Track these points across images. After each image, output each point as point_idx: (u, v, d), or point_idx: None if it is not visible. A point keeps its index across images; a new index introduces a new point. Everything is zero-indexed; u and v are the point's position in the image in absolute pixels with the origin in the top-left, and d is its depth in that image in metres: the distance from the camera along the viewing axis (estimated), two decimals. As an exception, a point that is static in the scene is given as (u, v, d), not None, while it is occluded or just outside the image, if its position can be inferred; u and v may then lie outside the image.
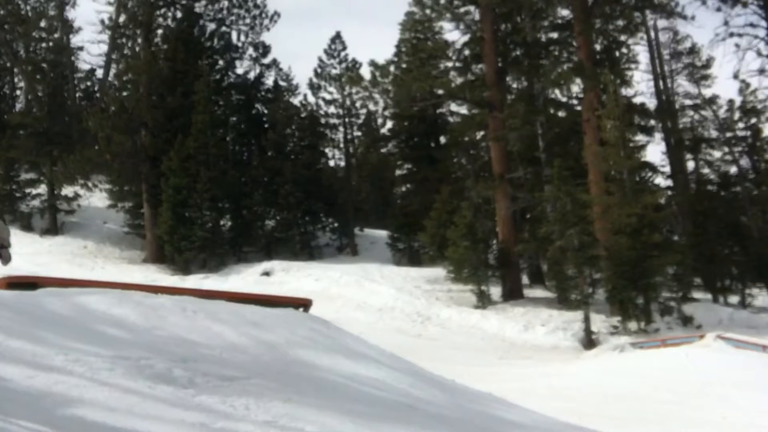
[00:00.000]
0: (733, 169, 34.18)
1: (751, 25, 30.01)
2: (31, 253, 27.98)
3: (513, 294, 26.76)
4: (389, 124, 39.03)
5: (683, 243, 28.96)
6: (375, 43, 68.93)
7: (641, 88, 39.65)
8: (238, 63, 35.98)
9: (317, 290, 24.21)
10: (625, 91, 30.18)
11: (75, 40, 39.21)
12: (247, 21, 35.52)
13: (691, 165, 36.01)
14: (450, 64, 31.41)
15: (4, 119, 35.94)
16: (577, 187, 25.21)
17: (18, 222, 32.46)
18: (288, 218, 32.76)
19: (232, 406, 3.91)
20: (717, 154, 35.45)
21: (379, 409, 4.64)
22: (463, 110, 34.14)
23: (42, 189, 33.33)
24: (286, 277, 27.52)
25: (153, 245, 30.42)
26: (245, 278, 27.12)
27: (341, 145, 37.49)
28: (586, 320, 22.25)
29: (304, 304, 7.43)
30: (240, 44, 35.78)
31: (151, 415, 3.51)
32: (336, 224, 34.65)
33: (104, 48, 37.92)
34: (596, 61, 27.61)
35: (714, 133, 35.59)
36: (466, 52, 30.85)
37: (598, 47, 29.04)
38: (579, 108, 29.33)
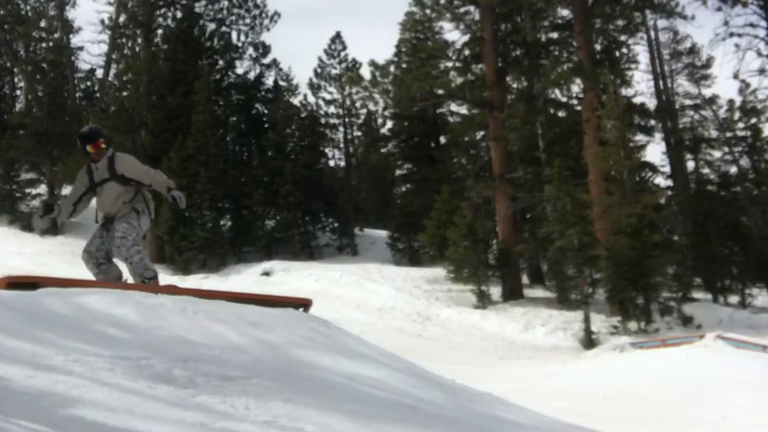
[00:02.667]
0: (733, 169, 34.23)
1: (751, 25, 30.03)
2: (31, 253, 27.97)
3: (513, 294, 26.77)
4: (389, 124, 39.13)
5: (683, 243, 28.97)
6: (375, 43, 69.03)
7: (641, 88, 39.89)
8: (238, 63, 36.02)
9: (317, 290, 24.21)
10: (625, 91, 30.22)
11: (75, 40, 39.17)
12: (247, 21, 35.55)
13: (691, 165, 36.06)
14: (450, 64, 31.45)
15: (4, 119, 35.93)
16: (577, 187, 25.23)
17: (18, 222, 32.50)
18: (288, 218, 32.77)
19: (232, 406, 3.91)
20: (717, 154, 35.54)
21: (379, 409, 4.64)
22: (463, 110, 34.22)
23: (42, 189, 33.32)
24: (286, 277, 27.53)
25: (153, 245, 30.42)
26: (245, 278, 27.12)
27: (341, 145, 37.56)
28: (586, 320, 22.26)
29: (304, 304, 7.41)
30: (240, 44, 35.81)
31: (151, 415, 3.50)
32: (336, 224, 34.66)
33: (104, 48, 37.86)
34: (596, 61, 27.63)
35: (714, 133, 35.64)
36: (466, 52, 30.89)
37: (598, 47, 29.05)
38: (579, 108, 29.36)
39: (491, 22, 29.01)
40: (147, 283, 6.60)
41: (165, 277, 29.18)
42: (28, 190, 33.35)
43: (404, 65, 33.81)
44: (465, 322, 23.85)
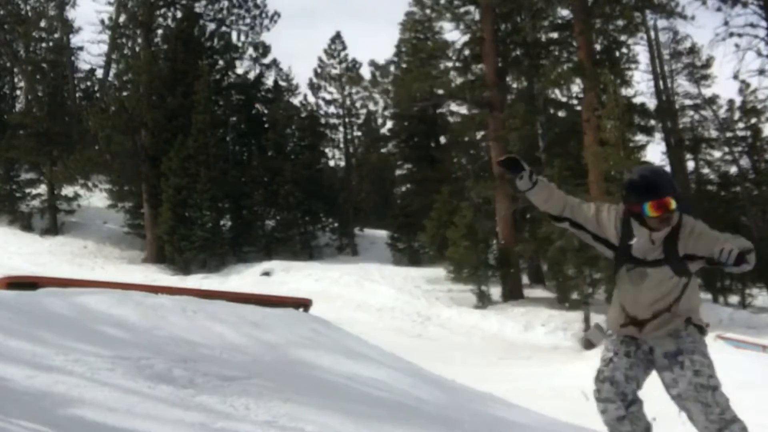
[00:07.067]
0: (733, 169, 34.20)
1: (751, 25, 30.00)
2: (31, 253, 27.98)
3: (513, 294, 26.76)
4: (389, 124, 39.14)
5: (683, 243, 28.90)
6: (375, 43, 69.01)
7: (641, 88, 39.65)
8: (238, 63, 36.00)
9: (317, 290, 24.19)
10: (625, 91, 30.15)
11: (75, 40, 39.22)
12: (247, 21, 35.55)
13: (691, 165, 36.03)
14: (450, 64, 31.41)
15: (4, 119, 35.93)
16: (577, 187, 25.19)
17: (18, 222, 32.51)
18: (288, 218, 32.78)
19: (232, 406, 3.91)
20: (717, 154, 35.48)
21: (379, 410, 4.64)
22: (463, 110, 34.16)
23: (42, 189, 33.34)
24: (286, 277, 27.52)
25: (153, 245, 30.44)
26: (245, 278, 27.11)
27: (341, 145, 37.58)
28: (586, 320, 22.26)
29: (304, 304, 7.44)
30: (240, 44, 35.81)
31: (151, 415, 3.51)
32: (336, 224, 34.66)
33: (104, 48, 37.99)
34: (596, 61, 27.60)
35: (714, 133, 35.59)
36: (466, 52, 30.87)
37: (598, 47, 29.03)
38: (579, 108, 29.33)
39: (491, 22, 29.00)
40: None
41: (165, 277, 29.18)
42: (28, 190, 33.35)
43: (404, 65, 33.80)
44: (465, 322, 23.84)
